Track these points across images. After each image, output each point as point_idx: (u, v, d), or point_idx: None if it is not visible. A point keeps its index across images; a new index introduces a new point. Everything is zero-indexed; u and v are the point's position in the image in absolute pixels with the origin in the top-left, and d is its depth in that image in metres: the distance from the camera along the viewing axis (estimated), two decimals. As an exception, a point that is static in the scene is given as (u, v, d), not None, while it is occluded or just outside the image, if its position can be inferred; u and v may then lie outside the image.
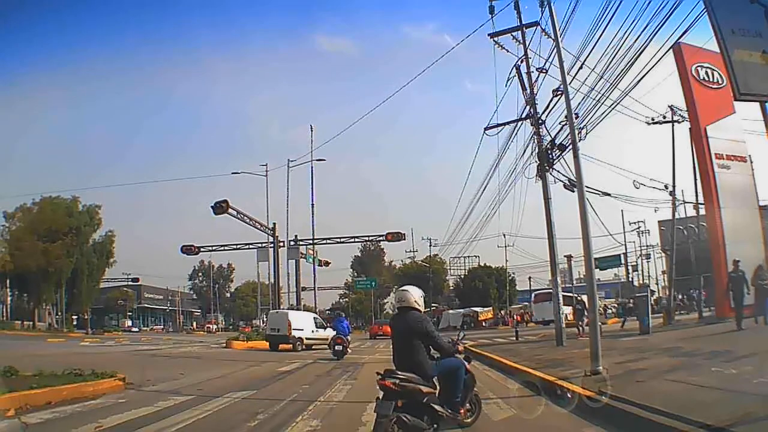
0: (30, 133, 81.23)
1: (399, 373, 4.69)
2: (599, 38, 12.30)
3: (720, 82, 20.64)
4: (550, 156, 15.87)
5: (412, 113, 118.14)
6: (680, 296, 23.28)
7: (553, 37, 10.80)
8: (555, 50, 10.49)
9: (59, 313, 50.14)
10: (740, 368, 7.35)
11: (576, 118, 12.53)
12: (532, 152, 17.15)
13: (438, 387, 5.05)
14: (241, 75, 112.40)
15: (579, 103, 13.96)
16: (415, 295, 5.15)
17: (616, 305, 35.39)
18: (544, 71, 15.93)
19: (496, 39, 17.01)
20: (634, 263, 51.76)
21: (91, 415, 6.70)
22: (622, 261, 47.59)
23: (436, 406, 4.76)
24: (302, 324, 22.58)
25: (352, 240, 41.64)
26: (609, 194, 21.87)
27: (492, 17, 16.48)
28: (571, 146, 11.12)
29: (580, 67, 13.41)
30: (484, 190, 23.39)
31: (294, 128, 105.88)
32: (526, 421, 6.03)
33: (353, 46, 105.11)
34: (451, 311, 56.43)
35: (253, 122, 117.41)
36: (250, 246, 36.76)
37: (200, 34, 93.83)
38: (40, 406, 7.03)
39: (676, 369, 7.90)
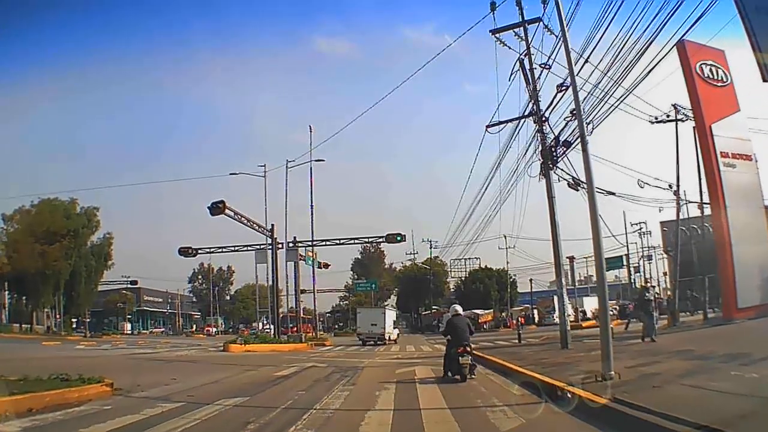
0: (29, 134, 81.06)
1: (468, 343, 10.04)
2: (603, 35, 12.09)
3: (725, 79, 20.32)
4: (554, 153, 15.52)
5: (423, 118, 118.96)
6: None
7: (559, 27, 10.49)
8: (561, 41, 10.18)
9: (58, 316, 49.74)
10: (762, 372, 6.95)
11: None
12: (535, 150, 16.85)
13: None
14: (241, 76, 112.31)
15: (583, 100, 13.63)
16: (460, 309, 11.37)
17: (617, 307, 34.75)
18: (547, 67, 15.71)
19: (497, 35, 16.74)
20: (636, 265, 51.34)
21: (72, 423, 6.32)
22: (624, 262, 47.19)
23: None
24: None
25: (352, 242, 41.12)
26: (614, 193, 21.51)
27: (492, 12, 16.20)
28: (576, 142, 10.80)
29: (584, 64, 13.12)
30: (485, 190, 23.02)
31: (296, 129, 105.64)
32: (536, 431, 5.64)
33: (354, 49, 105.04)
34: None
35: (254, 124, 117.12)
36: (249, 248, 36.31)
37: (199, 36, 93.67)
38: (22, 413, 6.63)
39: (692, 373, 7.51)
